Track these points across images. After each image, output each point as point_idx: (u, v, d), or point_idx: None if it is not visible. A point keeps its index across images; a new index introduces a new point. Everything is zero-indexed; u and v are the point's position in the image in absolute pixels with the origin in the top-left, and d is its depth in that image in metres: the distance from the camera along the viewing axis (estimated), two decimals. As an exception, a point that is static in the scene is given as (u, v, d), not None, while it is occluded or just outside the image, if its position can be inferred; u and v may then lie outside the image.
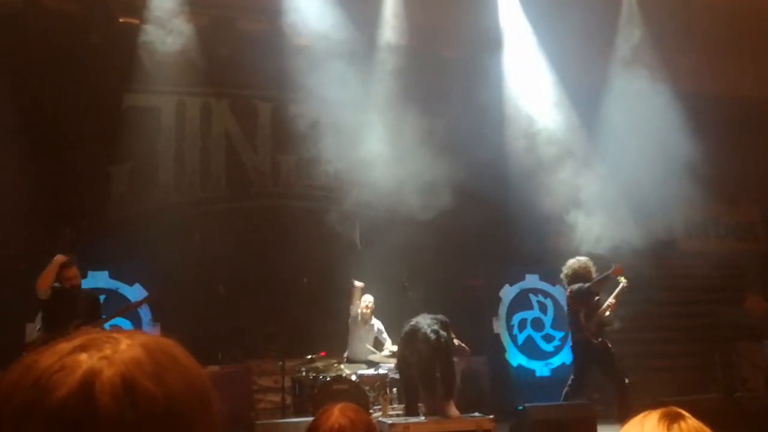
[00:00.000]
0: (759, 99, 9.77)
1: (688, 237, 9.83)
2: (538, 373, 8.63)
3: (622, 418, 1.94)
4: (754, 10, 8.50)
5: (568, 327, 6.75)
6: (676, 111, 8.56)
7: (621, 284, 6.56)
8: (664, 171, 8.24)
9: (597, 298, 6.54)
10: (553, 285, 8.98)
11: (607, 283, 6.49)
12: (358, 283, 7.37)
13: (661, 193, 8.21)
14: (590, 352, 6.40)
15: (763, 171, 9.63)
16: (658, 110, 8.53)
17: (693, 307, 9.18)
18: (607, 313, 6.53)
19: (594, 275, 6.58)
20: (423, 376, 5.97)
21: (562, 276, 6.82)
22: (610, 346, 6.45)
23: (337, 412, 1.89)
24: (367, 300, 7.34)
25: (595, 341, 6.37)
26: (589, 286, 6.45)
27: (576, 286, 6.55)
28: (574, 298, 6.58)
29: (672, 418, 1.33)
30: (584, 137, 8.82)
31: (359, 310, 7.27)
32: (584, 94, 9.10)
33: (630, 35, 9.05)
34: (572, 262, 6.73)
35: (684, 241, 9.73)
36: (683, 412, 1.35)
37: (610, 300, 6.54)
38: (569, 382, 6.50)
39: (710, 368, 8.43)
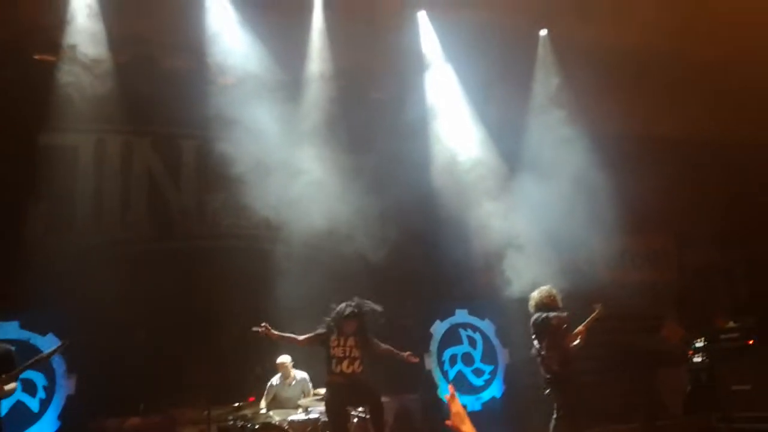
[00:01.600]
0: (666, 135, 10.37)
1: (607, 268, 10.22)
2: (469, 408, 8.67)
3: None
4: (665, 55, 9.07)
5: (536, 357, 6.60)
6: (592, 150, 8.97)
7: (595, 312, 6.56)
8: (582, 206, 8.60)
9: (564, 326, 6.47)
10: (482, 319, 9.13)
11: (566, 319, 6.45)
12: (282, 360, 7.34)
13: (579, 228, 8.53)
14: (556, 380, 6.32)
15: (673, 203, 10.19)
16: (575, 149, 8.92)
17: (611, 336, 9.48)
18: (576, 341, 6.48)
19: (559, 303, 6.56)
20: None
21: (529, 308, 6.70)
22: (574, 376, 6.36)
23: None
24: (280, 360, 7.35)
25: (557, 368, 6.30)
26: (547, 317, 6.39)
27: (536, 315, 6.52)
28: (535, 327, 6.51)
29: None
30: (506, 175, 9.11)
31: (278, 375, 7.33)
32: (506, 134, 9.43)
33: (546, 81, 9.50)
34: (535, 294, 6.67)
35: (602, 272, 10.11)
36: None
37: (580, 327, 6.52)
38: (554, 415, 6.30)
39: (631, 396, 8.70)
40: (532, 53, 9.59)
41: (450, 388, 2.50)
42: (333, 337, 6.25)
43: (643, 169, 9.20)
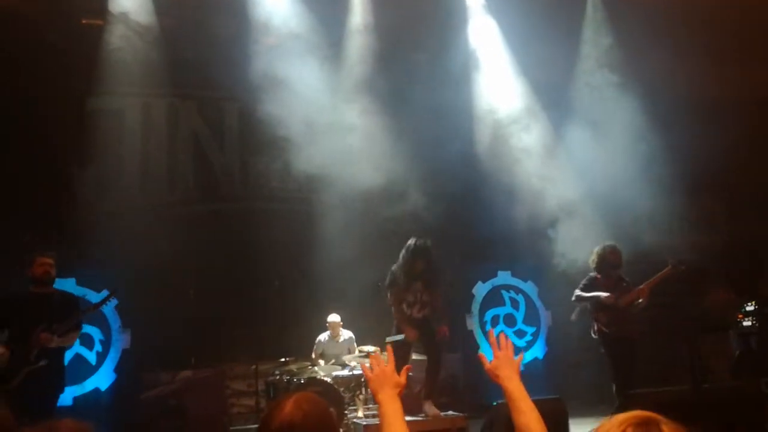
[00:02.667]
0: (723, 96, 9.97)
1: (653, 230, 10.00)
2: (511, 369, 8.69)
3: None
4: (719, 12, 8.67)
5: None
6: (640, 108, 8.72)
7: (666, 269, 6.22)
8: (631, 167, 8.41)
9: (625, 284, 6.32)
10: (525, 281, 9.09)
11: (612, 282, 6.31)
12: (333, 318, 7.46)
13: (626, 189, 8.36)
14: (606, 344, 6.23)
15: (724, 165, 9.86)
16: (625, 108, 8.70)
17: (659, 299, 9.32)
18: (637, 300, 6.19)
19: (621, 261, 6.40)
20: None
21: (590, 263, 6.52)
22: (624, 336, 6.17)
23: (291, 405, 1.78)
24: (331, 319, 7.47)
25: (606, 330, 6.18)
26: (595, 277, 6.32)
27: (590, 275, 6.42)
28: (585, 287, 6.38)
29: (645, 427, 1.31)
30: (552, 135, 8.95)
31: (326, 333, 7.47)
32: (551, 93, 9.23)
33: (596, 40, 9.23)
34: (598, 248, 6.47)
35: (649, 234, 9.90)
36: (657, 417, 1.33)
37: (641, 286, 6.22)
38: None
39: (678, 359, 8.59)
40: (580, 8, 9.32)
41: (502, 336, 2.38)
42: (401, 288, 6.07)
43: (697, 131, 8.90)
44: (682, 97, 9.53)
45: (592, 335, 6.40)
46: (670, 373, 8.50)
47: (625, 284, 6.37)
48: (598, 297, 6.25)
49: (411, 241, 6.16)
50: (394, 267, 6.18)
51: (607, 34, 9.20)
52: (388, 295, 6.19)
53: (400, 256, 6.20)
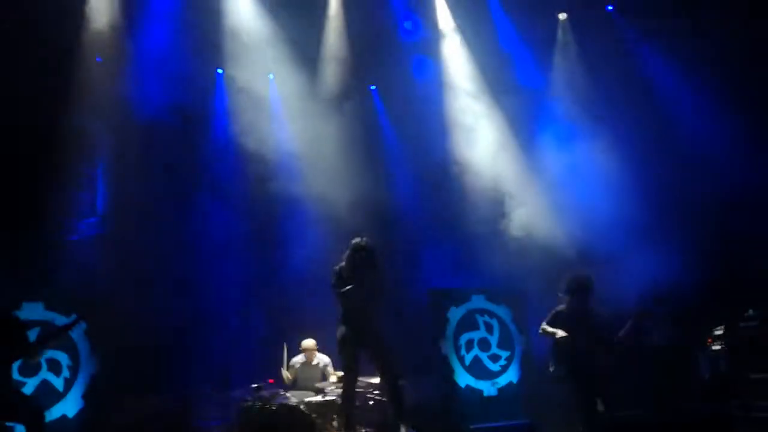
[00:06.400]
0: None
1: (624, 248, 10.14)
2: (485, 393, 8.69)
3: None
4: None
5: None
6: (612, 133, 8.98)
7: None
8: (597, 188, 8.61)
9: (592, 318, 6.68)
10: (499, 305, 9.11)
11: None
12: (307, 344, 7.49)
13: (597, 208, 8.55)
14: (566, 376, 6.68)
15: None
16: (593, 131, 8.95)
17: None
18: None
19: (589, 287, 6.68)
20: None
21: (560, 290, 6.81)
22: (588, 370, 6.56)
23: None
24: (305, 344, 7.50)
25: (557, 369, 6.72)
26: (556, 309, 6.75)
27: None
28: None
29: None
30: (524, 155, 9.15)
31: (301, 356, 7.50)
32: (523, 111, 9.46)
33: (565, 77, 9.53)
34: (569, 276, 6.77)
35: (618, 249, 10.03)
36: None
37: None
38: None
39: (648, 381, 8.65)
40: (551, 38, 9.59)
41: None
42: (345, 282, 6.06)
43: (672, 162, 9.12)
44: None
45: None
46: (642, 394, 8.56)
47: (592, 319, 6.55)
48: (554, 335, 6.62)
49: (352, 240, 6.19)
50: (337, 267, 6.18)
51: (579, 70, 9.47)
52: (336, 292, 6.14)
53: (341, 260, 6.21)
